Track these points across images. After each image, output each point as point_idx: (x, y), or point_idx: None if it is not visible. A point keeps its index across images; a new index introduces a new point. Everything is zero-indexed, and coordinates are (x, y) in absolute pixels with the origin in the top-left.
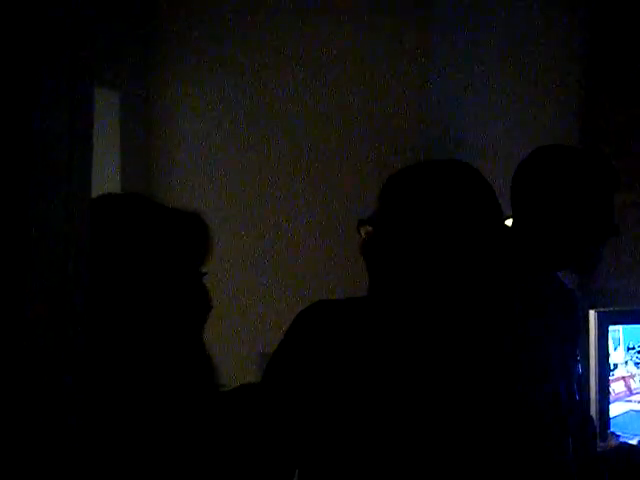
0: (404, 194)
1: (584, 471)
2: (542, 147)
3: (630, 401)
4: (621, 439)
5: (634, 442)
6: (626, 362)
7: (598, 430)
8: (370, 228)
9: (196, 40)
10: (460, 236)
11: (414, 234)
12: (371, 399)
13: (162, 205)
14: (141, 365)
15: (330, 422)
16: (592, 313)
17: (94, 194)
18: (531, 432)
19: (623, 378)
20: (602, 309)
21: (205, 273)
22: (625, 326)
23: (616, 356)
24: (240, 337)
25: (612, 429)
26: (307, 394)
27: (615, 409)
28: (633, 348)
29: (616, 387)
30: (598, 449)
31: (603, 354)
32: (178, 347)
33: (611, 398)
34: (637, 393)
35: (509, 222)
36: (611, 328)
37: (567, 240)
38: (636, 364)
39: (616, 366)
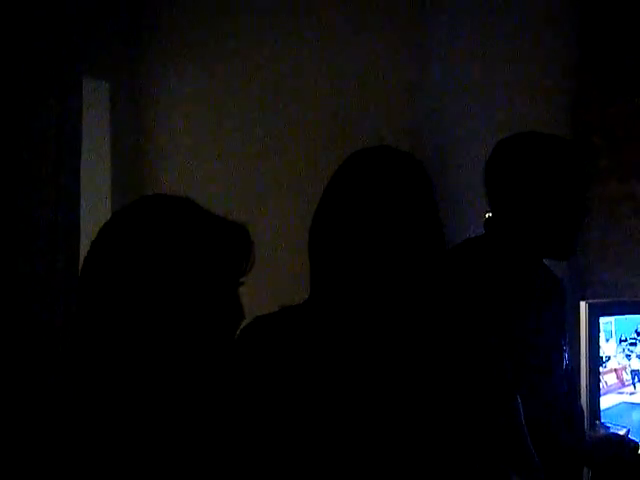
0: (340, 193)
1: (568, 460)
2: (509, 137)
3: (622, 393)
4: (611, 430)
5: (622, 432)
6: (618, 354)
7: (588, 421)
8: None
9: (185, 29)
10: (400, 239)
11: (352, 232)
12: (318, 408)
13: (209, 212)
14: (172, 366)
15: (282, 432)
16: (583, 304)
17: (84, 183)
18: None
19: (615, 370)
20: (593, 300)
21: (242, 283)
22: (617, 318)
23: (608, 348)
24: None
25: (603, 421)
26: (256, 415)
27: (607, 401)
28: (625, 340)
29: (608, 379)
30: (587, 439)
31: (594, 346)
32: (210, 353)
33: (603, 390)
34: (628, 385)
35: (489, 214)
36: (603, 320)
37: (544, 226)
38: (627, 356)
39: (608, 358)
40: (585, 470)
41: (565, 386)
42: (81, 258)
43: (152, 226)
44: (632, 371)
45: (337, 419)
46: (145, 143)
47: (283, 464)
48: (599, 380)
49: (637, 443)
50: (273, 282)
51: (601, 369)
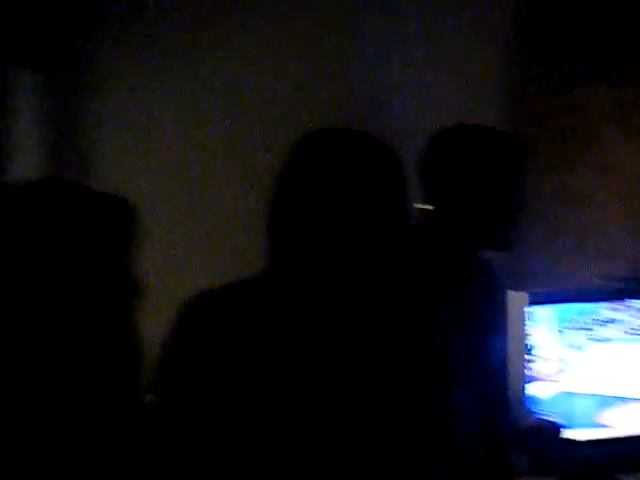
0: (306, 167)
1: (502, 450)
2: (444, 129)
3: (555, 381)
4: (538, 416)
5: (551, 418)
6: (550, 343)
7: (518, 411)
8: None
9: (127, 22)
10: (365, 213)
11: (314, 209)
12: (275, 382)
13: (86, 189)
14: (63, 357)
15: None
16: (511, 294)
17: (16, 178)
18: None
19: (548, 359)
20: (524, 290)
21: (132, 257)
22: (548, 307)
23: (540, 337)
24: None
25: (542, 410)
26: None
27: (540, 390)
28: (556, 329)
29: (541, 368)
30: (521, 427)
31: (523, 335)
32: (104, 334)
33: (536, 379)
34: (561, 373)
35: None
36: (534, 309)
37: (476, 218)
38: (560, 345)
39: (543, 348)
40: (524, 458)
41: (496, 377)
42: None
43: (31, 209)
44: (564, 360)
45: (288, 392)
46: (81, 136)
47: (241, 443)
48: (528, 369)
49: (561, 426)
50: (207, 269)
51: (534, 358)
